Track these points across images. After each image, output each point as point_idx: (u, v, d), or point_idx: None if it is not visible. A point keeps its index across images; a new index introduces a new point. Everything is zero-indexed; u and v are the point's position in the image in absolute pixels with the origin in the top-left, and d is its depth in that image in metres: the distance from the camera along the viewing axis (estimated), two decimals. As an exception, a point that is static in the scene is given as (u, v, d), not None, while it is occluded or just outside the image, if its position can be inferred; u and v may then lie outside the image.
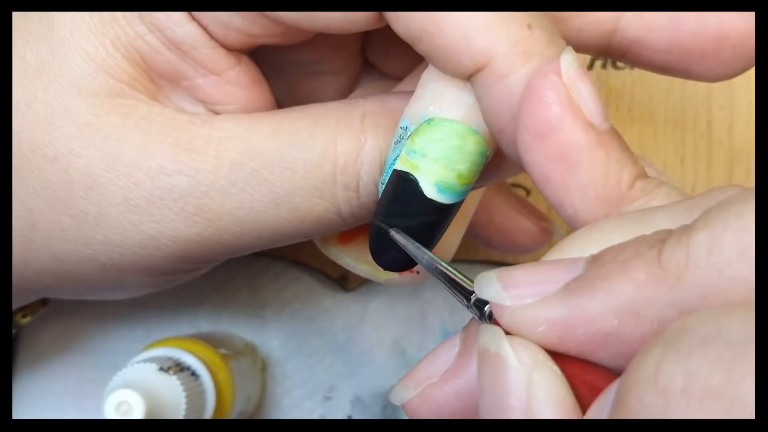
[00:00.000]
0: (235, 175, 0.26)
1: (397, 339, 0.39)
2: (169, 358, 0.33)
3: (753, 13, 0.25)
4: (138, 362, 0.32)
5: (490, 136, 0.24)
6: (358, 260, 0.29)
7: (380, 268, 0.28)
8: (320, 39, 0.27)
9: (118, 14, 0.25)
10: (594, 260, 0.19)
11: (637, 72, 0.39)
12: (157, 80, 0.26)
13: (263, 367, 0.39)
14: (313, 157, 0.26)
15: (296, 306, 0.39)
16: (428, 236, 0.25)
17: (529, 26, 0.22)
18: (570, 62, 0.22)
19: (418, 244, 0.24)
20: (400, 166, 0.24)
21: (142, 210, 0.26)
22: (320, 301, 0.40)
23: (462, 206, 0.26)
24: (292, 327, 0.39)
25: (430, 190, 0.24)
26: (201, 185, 0.25)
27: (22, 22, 0.27)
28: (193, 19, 0.25)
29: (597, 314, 0.18)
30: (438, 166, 0.24)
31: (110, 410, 0.29)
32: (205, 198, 0.26)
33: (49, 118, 0.26)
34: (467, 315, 0.38)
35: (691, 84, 0.38)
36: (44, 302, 0.35)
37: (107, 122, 0.26)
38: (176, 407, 0.31)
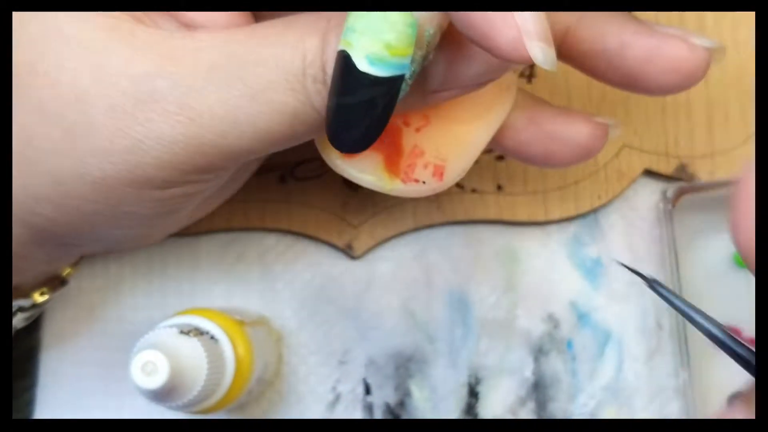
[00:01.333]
0: (212, 76, 0.27)
1: (405, 301, 0.41)
2: (189, 324, 0.34)
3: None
4: (160, 327, 0.33)
5: (430, 16, 0.25)
6: (362, 171, 0.30)
7: (384, 178, 0.29)
8: None
9: None
10: None
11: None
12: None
13: (278, 337, 0.41)
14: (284, 52, 0.27)
15: (306, 277, 0.41)
16: (373, 113, 0.26)
17: None
18: None
19: (686, 300, 0.25)
20: (339, 46, 0.25)
21: (127, 115, 0.28)
22: (329, 270, 0.41)
23: (483, 100, 0.28)
24: (303, 297, 0.41)
25: (362, 63, 0.25)
26: (181, 86, 0.27)
27: None
28: None
29: None
30: (366, 39, 0.25)
31: (137, 371, 0.31)
32: (185, 98, 0.27)
33: (40, 36, 0.28)
34: (470, 274, 0.40)
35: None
36: (63, 281, 0.37)
37: (94, 37, 0.28)
38: (199, 369, 0.33)
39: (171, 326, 0.33)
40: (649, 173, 0.40)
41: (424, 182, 0.30)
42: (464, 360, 0.40)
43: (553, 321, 0.40)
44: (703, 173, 0.40)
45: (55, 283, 0.37)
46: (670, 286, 0.40)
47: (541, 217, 0.40)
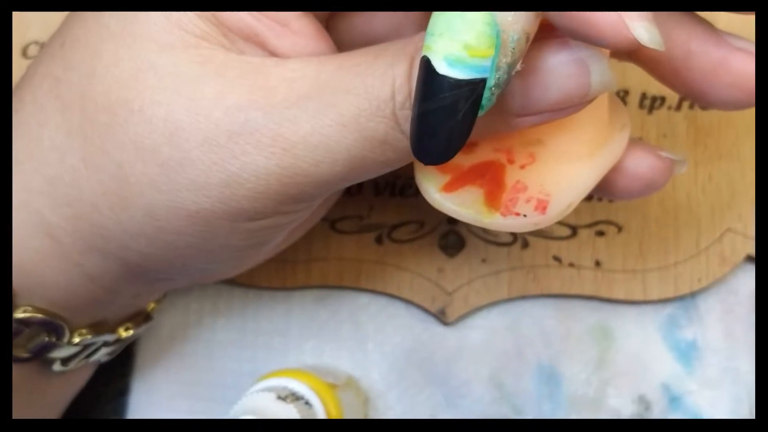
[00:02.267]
0: (305, 106, 0.28)
1: (494, 372, 0.40)
2: (285, 387, 0.35)
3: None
4: (256, 391, 0.34)
5: (514, 19, 0.24)
6: (460, 206, 0.30)
7: (483, 212, 0.29)
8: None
9: None
10: None
11: (724, 111, 0.40)
12: (229, 35, 0.29)
13: (365, 399, 0.41)
14: (374, 80, 0.27)
15: (396, 339, 0.41)
16: (454, 119, 0.25)
17: None
18: None
19: None
20: (422, 52, 0.25)
21: (221, 148, 0.28)
22: (420, 334, 0.41)
23: (594, 138, 0.28)
24: (393, 360, 0.41)
25: (440, 65, 0.24)
26: (274, 117, 0.28)
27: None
28: None
29: None
30: (444, 40, 0.24)
31: (234, 437, 0.31)
32: (279, 128, 0.28)
33: (134, 74, 0.29)
34: (562, 349, 0.40)
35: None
36: (147, 317, 0.37)
37: (187, 70, 0.28)
38: (293, 434, 0.33)
39: (268, 390, 0.34)
40: (753, 259, 0.40)
41: (525, 215, 0.29)
42: (552, 436, 0.40)
43: (644, 403, 0.40)
44: (809, 263, 0.39)
45: (140, 318, 0.37)
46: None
47: (639, 296, 0.40)
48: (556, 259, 0.40)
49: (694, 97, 0.30)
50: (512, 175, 0.30)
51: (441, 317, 0.41)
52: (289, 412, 0.33)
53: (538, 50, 0.27)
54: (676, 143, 0.40)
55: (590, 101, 0.28)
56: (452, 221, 0.41)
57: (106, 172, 0.29)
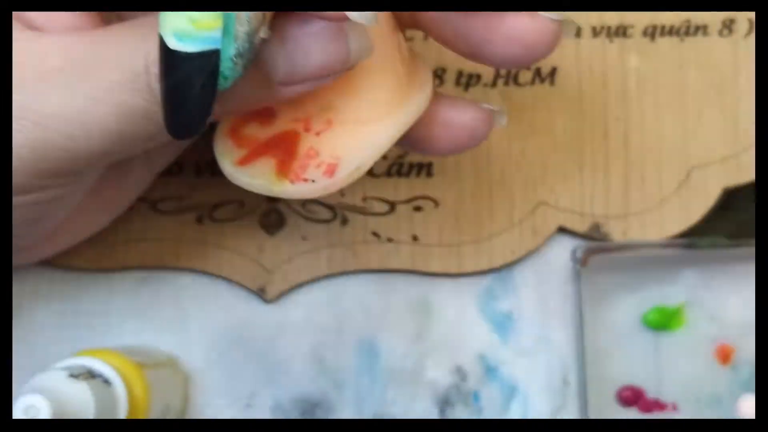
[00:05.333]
0: (56, 79, 0.27)
1: (315, 348, 0.41)
2: (82, 366, 0.34)
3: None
4: (51, 370, 0.33)
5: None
6: (252, 177, 0.30)
7: (273, 181, 0.29)
8: None
9: None
10: None
11: (537, 88, 0.41)
12: None
13: (186, 378, 0.41)
14: (126, 51, 0.27)
15: (218, 318, 0.41)
16: (192, 94, 0.25)
17: None
18: None
19: None
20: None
21: None
22: (241, 313, 0.41)
23: (391, 99, 0.29)
24: (215, 339, 0.41)
25: (171, 41, 0.25)
26: (23, 90, 0.27)
27: None
28: None
29: None
30: (171, 16, 0.24)
31: (19, 415, 0.31)
32: (27, 100, 0.27)
33: None
34: (382, 323, 0.40)
35: (587, 99, 0.40)
36: None
37: None
38: (84, 413, 0.32)
39: (62, 369, 0.33)
40: (564, 231, 0.41)
41: (313, 181, 0.30)
42: (370, 408, 0.40)
43: (460, 373, 0.40)
44: (617, 233, 0.40)
45: None
46: (576, 343, 0.40)
47: (454, 269, 0.40)
48: (375, 234, 0.41)
49: (478, 56, 0.30)
50: (306, 143, 0.30)
51: (262, 295, 0.41)
52: (80, 389, 0.33)
53: (297, 20, 0.27)
54: (490, 118, 0.41)
55: (351, 67, 0.28)
56: (272, 200, 0.41)
57: None
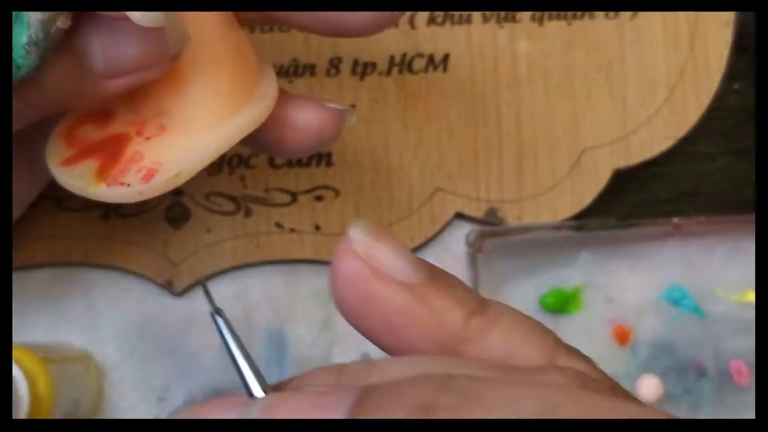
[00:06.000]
0: None
1: (224, 339, 0.41)
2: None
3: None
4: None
5: None
6: (72, 178, 0.30)
7: (90, 183, 0.29)
8: None
9: None
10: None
11: (431, 75, 0.41)
12: None
13: (100, 373, 0.42)
14: None
15: (129, 314, 0.42)
16: None
17: None
18: (359, 232, 0.24)
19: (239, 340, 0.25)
20: None
21: None
22: (151, 307, 0.42)
23: (225, 105, 0.29)
24: (126, 333, 0.42)
25: None
26: None
27: None
28: None
29: None
30: None
31: None
32: None
33: None
34: (289, 313, 0.41)
35: (480, 85, 0.41)
36: None
37: None
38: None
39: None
40: (462, 217, 0.41)
41: (129, 185, 0.29)
42: (278, 397, 0.41)
43: (367, 360, 0.41)
44: (512, 217, 0.41)
45: None
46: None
47: (356, 258, 0.41)
48: (278, 225, 0.41)
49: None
50: (134, 147, 0.30)
51: (169, 288, 0.42)
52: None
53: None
54: (387, 108, 0.41)
55: (174, 58, 0.28)
56: (177, 193, 0.41)
57: None
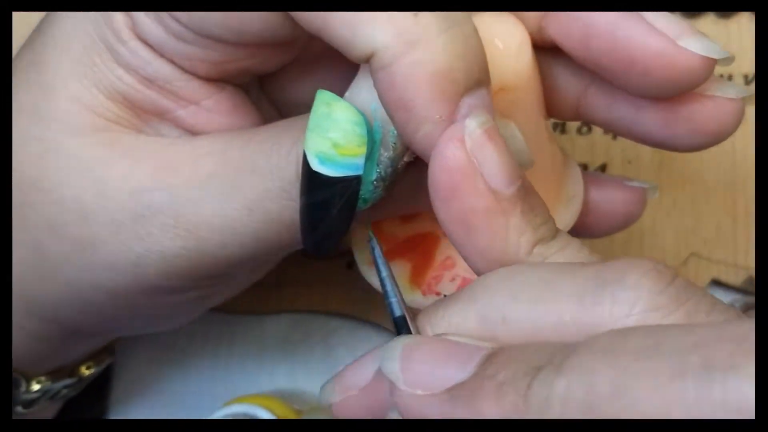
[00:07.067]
0: (209, 186, 0.27)
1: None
2: (245, 414, 0.35)
3: (666, 37, 0.25)
4: (216, 417, 0.35)
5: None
6: None
7: (405, 288, 0.28)
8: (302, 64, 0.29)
9: (96, 58, 0.28)
10: (480, 370, 0.21)
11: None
12: (143, 115, 0.29)
13: (336, 421, 0.41)
14: (279, 160, 0.27)
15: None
16: (329, 215, 0.25)
17: (415, 15, 0.23)
18: (475, 126, 0.23)
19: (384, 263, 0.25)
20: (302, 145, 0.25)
21: (128, 229, 0.28)
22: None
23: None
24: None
25: (313, 162, 0.24)
26: (178, 198, 0.27)
27: (19, 66, 0.30)
28: (161, 55, 0.28)
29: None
30: (314, 137, 0.24)
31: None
32: (182, 209, 0.27)
33: (41, 153, 0.29)
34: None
35: (740, 147, 0.40)
36: (111, 352, 0.38)
37: (94, 153, 0.28)
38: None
39: (228, 417, 0.34)
40: (719, 284, 0.40)
41: (444, 296, 0.29)
42: None
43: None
44: (772, 287, 0.39)
45: (103, 355, 0.37)
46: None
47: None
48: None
49: (659, 145, 0.30)
50: (444, 251, 0.29)
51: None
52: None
53: None
54: (641, 168, 0.40)
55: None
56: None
57: (26, 247, 0.29)
